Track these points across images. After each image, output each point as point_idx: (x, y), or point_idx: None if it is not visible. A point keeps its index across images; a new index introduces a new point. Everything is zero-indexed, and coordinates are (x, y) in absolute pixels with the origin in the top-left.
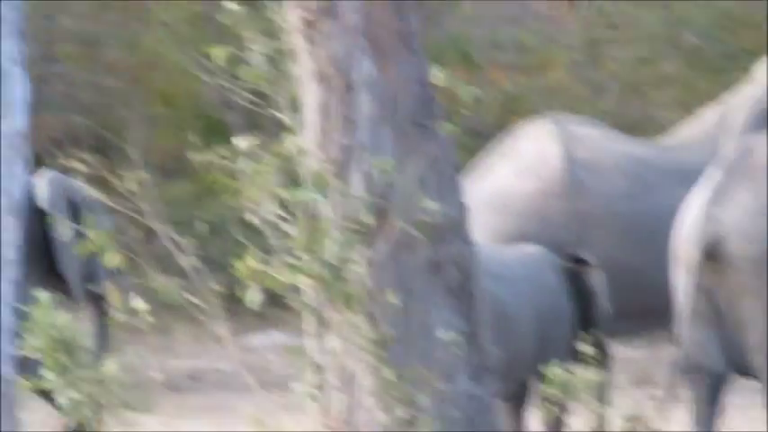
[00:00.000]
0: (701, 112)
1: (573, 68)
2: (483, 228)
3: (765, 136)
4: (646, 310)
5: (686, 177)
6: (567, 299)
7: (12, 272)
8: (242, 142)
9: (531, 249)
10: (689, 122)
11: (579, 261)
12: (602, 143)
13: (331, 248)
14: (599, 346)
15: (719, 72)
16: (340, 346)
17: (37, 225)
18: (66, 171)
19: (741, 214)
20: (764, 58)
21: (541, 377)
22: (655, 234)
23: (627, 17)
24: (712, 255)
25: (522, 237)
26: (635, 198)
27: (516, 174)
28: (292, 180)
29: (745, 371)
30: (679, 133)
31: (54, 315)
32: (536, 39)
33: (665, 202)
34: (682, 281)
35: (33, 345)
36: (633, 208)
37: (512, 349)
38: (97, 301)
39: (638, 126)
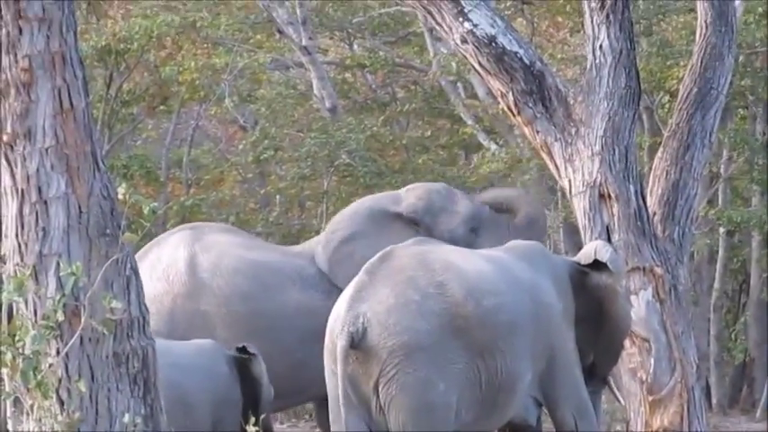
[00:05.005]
0: None
1: (243, 184)
2: None
3: (405, 244)
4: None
5: (303, 279)
6: (236, 385)
7: None
8: None
9: (205, 343)
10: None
11: (245, 352)
12: (226, 248)
13: (27, 342)
14: (264, 426)
15: (370, 188)
16: (35, 427)
17: None
18: None
19: (380, 309)
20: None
21: None
22: (272, 327)
23: (290, 139)
24: (356, 345)
25: (156, 335)
26: (252, 297)
27: (151, 277)
28: None
29: None
30: (310, 240)
31: None
32: (210, 157)
33: (281, 300)
34: (331, 368)
35: None
36: (250, 306)
37: (188, 430)
38: None
39: (299, 234)
